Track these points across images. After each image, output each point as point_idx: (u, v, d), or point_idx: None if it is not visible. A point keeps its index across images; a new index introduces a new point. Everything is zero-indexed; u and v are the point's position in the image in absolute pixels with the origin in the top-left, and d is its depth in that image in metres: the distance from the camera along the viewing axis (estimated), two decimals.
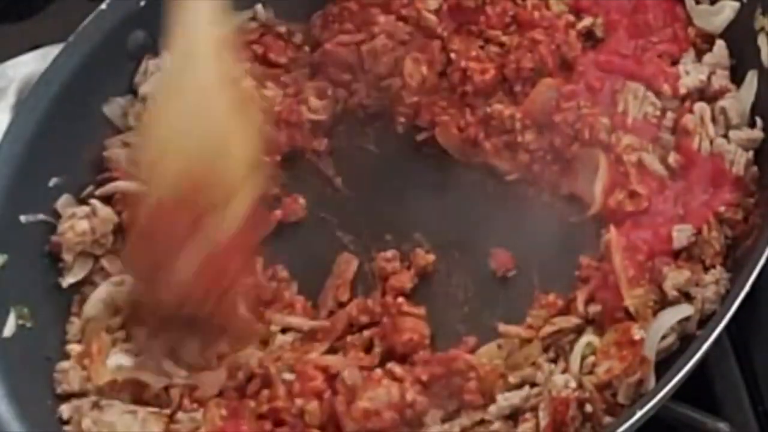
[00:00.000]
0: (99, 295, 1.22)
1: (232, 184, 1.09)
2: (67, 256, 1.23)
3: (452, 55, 1.25)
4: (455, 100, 1.26)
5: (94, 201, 1.25)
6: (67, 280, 1.23)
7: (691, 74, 1.18)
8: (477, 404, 1.07)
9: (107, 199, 1.27)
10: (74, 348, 1.19)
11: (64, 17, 1.40)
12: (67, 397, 1.17)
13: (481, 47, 1.26)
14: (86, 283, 1.24)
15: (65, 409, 1.15)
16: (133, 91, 1.33)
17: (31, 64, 1.38)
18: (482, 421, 1.07)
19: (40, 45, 1.42)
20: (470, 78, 1.24)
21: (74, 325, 1.21)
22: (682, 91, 1.17)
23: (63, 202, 1.26)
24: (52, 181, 1.26)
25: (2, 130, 1.26)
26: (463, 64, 1.24)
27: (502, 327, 1.12)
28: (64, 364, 1.18)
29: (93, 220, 1.24)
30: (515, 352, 1.10)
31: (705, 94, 1.17)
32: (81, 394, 1.16)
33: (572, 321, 1.09)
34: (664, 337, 1.05)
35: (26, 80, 1.36)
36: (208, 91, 1.10)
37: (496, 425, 1.06)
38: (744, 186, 1.11)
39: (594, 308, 1.09)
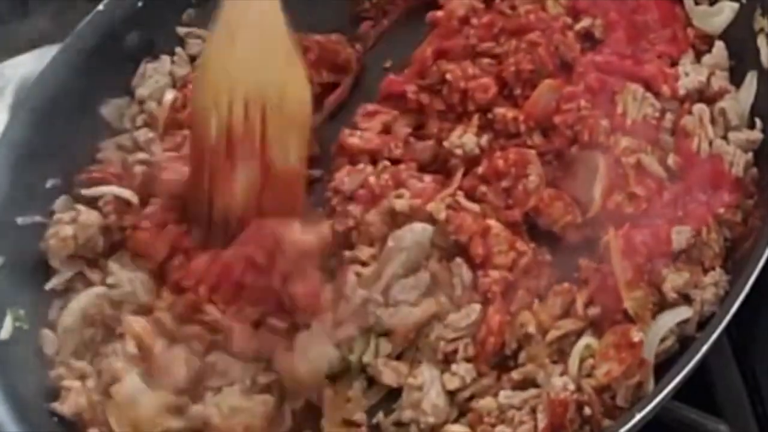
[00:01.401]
0: (77, 304, 1.21)
1: (288, 119, 1.14)
2: (54, 262, 1.23)
3: (448, 76, 1.24)
4: (454, 116, 1.25)
5: (79, 206, 1.25)
6: (50, 284, 1.23)
7: (690, 75, 1.17)
8: None
9: (95, 201, 1.26)
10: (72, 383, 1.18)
11: (62, 18, 1.40)
12: None
13: (473, 61, 1.25)
14: (70, 290, 1.23)
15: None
16: (130, 93, 1.33)
17: (29, 64, 1.38)
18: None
19: (38, 45, 1.42)
20: (472, 97, 1.23)
21: (48, 337, 1.20)
22: (681, 92, 1.17)
23: (60, 204, 1.26)
24: (49, 183, 1.26)
25: (0, 130, 1.26)
26: (462, 85, 1.23)
27: None
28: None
29: (77, 225, 1.23)
30: None
31: (704, 95, 1.17)
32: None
33: (577, 324, 1.09)
34: (663, 340, 1.05)
35: (24, 80, 1.36)
36: (267, 27, 1.15)
37: (498, 429, 1.06)
38: (743, 187, 1.11)
39: (593, 310, 1.09)
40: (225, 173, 1.15)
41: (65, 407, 1.15)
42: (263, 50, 1.16)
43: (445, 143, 1.21)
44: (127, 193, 1.24)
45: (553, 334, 1.09)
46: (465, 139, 1.20)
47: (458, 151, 1.20)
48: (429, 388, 1.09)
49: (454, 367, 1.10)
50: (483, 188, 1.18)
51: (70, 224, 1.22)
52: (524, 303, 1.11)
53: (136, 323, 1.18)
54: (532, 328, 1.09)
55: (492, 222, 1.14)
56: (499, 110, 1.21)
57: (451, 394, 1.10)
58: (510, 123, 1.20)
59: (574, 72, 1.20)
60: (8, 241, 1.22)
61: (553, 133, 1.18)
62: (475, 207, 1.17)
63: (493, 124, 1.21)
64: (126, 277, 1.21)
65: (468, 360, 1.10)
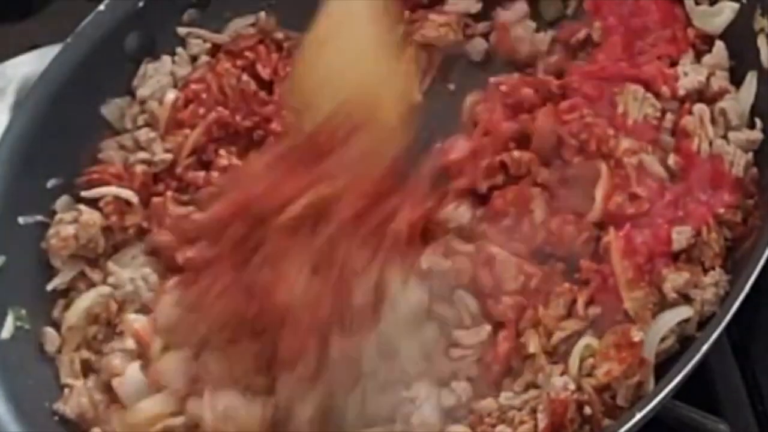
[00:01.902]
0: (83, 303, 1.21)
1: (385, 121, 1.12)
2: (55, 262, 1.23)
3: None
4: None
5: (80, 206, 1.25)
6: (52, 284, 1.23)
7: (689, 75, 1.17)
8: None
9: (96, 201, 1.26)
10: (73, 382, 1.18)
11: (63, 18, 1.40)
12: None
13: None
14: (72, 290, 1.24)
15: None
16: (131, 93, 1.33)
17: (30, 64, 1.38)
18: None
19: (39, 45, 1.42)
20: None
21: (50, 335, 1.20)
22: (681, 92, 1.16)
23: (62, 204, 1.26)
24: (50, 182, 1.27)
25: (1, 130, 1.26)
26: None
27: None
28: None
29: (78, 225, 1.23)
30: None
31: (704, 95, 1.17)
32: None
33: (580, 324, 1.09)
34: (663, 339, 1.05)
35: (25, 80, 1.36)
36: (364, 30, 1.14)
37: (498, 429, 1.06)
38: (743, 187, 1.11)
39: (593, 310, 1.09)
40: (316, 176, 1.11)
41: (68, 408, 1.16)
42: (360, 55, 1.14)
43: (440, 215, 1.17)
44: (127, 194, 1.25)
45: (558, 336, 1.08)
46: (461, 211, 1.18)
47: (452, 225, 1.17)
48: (422, 402, 1.08)
49: (453, 384, 1.09)
50: (482, 227, 1.17)
51: (71, 224, 1.23)
52: (532, 319, 1.11)
53: (136, 322, 1.18)
54: (533, 348, 1.09)
55: (495, 249, 1.13)
56: (514, 154, 1.18)
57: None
58: (524, 166, 1.18)
59: (568, 88, 1.20)
60: (10, 240, 1.22)
61: (560, 145, 1.18)
62: (469, 248, 1.15)
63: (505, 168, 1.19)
64: (127, 277, 1.21)
65: (468, 379, 1.10)
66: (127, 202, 1.25)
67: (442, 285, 1.13)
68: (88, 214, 1.23)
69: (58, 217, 1.24)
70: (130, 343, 1.18)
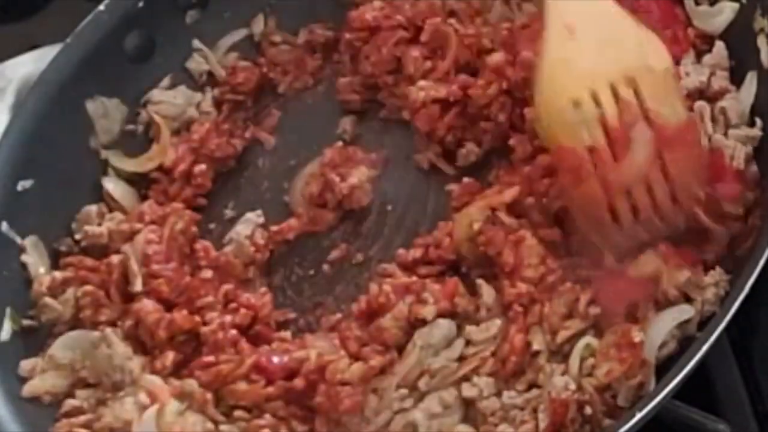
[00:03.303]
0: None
1: (660, 81, 1.08)
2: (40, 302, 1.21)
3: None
4: None
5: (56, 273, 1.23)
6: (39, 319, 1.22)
7: (691, 75, 1.17)
8: None
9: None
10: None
11: (63, 18, 1.40)
12: None
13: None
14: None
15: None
16: (129, 93, 1.34)
17: (30, 64, 1.38)
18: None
19: (39, 45, 1.42)
20: None
21: (29, 362, 1.19)
22: (683, 92, 1.17)
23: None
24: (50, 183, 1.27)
25: (1, 130, 1.26)
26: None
27: None
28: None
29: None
30: None
31: (705, 94, 1.17)
32: None
33: (584, 323, 1.09)
34: (664, 345, 1.04)
35: (25, 80, 1.36)
36: (600, 7, 1.10)
37: (501, 427, 1.06)
38: (745, 179, 1.11)
39: (594, 310, 1.09)
40: (617, 164, 1.06)
41: None
42: (607, 32, 1.09)
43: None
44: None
45: (563, 335, 1.08)
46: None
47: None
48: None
49: (475, 378, 1.09)
50: (529, 200, 1.17)
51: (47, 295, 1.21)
52: (538, 314, 1.11)
53: (152, 383, 1.15)
54: (537, 345, 1.09)
55: (526, 233, 1.13)
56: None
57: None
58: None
59: None
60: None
61: None
62: (513, 222, 1.15)
63: None
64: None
65: (489, 375, 1.10)
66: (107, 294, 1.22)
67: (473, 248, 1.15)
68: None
69: (37, 280, 1.22)
70: (144, 397, 1.14)
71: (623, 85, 1.07)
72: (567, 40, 1.10)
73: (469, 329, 1.11)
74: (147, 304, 1.18)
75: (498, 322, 1.11)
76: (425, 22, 1.29)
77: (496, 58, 1.24)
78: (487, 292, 1.13)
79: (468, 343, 1.11)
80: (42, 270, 1.23)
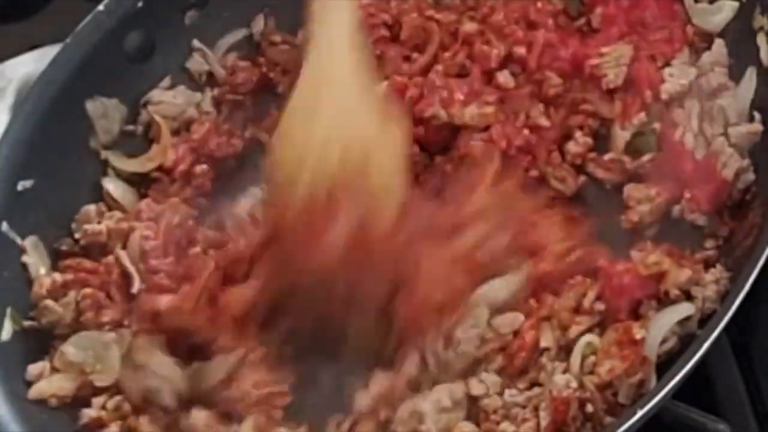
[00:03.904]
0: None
1: (379, 183, 1.07)
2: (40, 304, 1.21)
3: None
4: None
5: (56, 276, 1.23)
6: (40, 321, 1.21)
7: (675, 78, 1.17)
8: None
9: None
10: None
11: (63, 18, 1.40)
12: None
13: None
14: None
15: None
16: (128, 93, 1.34)
17: (30, 64, 1.38)
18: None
19: (39, 45, 1.42)
20: None
21: (37, 366, 1.18)
22: (664, 96, 1.17)
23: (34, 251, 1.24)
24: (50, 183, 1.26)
25: (1, 130, 1.26)
26: None
27: None
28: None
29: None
30: None
31: (702, 92, 1.17)
32: None
33: (593, 319, 1.09)
34: (665, 341, 1.04)
35: (25, 80, 1.36)
36: (349, 90, 1.09)
37: (503, 425, 1.06)
38: (728, 190, 1.11)
39: (598, 306, 1.09)
40: (315, 233, 1.06)
41: None
42: (351, 99, 1.09)
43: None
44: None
45: (575, 330, 1.08)
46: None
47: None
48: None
49: (483, 375, 1.09)
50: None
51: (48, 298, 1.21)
52: (549, 308, 1.11)
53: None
54: (545, 342, 1.09)
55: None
56: None
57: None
58: None
59: None
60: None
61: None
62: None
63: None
64: None
65: (497, 371, 1.10)
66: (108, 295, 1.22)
67: None
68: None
69: (37, 281, 1.22)
70: None
71: (349, 155, 1.06)
72: (314, 95, 1.09)
73: (496, 321, 1.11)
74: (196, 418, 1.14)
75: (521, 317, 1.11)
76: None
77: (469, 27, 1.25)
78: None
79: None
80: (42, 271, 1.23)
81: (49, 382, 1.16)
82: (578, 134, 1.22)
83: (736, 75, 1.17)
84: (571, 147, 1.22)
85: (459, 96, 1.22)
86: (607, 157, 1.20)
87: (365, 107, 1.09)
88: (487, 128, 1.23)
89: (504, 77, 1.24)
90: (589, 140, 1.22)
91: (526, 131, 1.22)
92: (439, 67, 1.25)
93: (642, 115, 1.18)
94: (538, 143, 1.22)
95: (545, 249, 1.12)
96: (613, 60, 1.19)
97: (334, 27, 1.10)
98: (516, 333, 1.10)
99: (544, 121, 1.22)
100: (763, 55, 1.14)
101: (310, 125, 1.08)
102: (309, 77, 1.11)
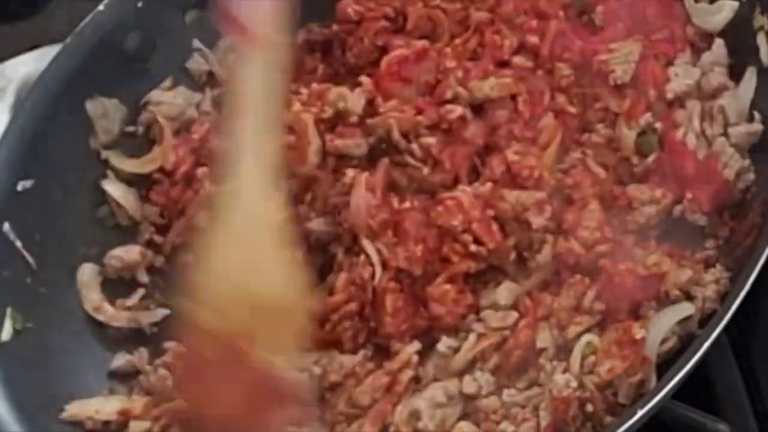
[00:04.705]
0: None
1: (280, 320, 1.05)
2: None
3: None
4: None
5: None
6: None
7: (680, 77, 1.18)
8: None
9: None
10: None
11: (62, 18, 1.40)
12: None
13: None
14: None
15: None
16: (127, 93, 1.34)
17: (30, 64, 1.38)
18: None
19: (39, 45, 1.42)
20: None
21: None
22: (669, 95, 1.17)
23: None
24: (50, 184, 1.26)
25: (1, 130, 1.26)
26: None
27: None
28: None
29: None
30: None
31: (703, 92, 1.17)
32: None
33: (592, 319, 1.09)
34: (665, 341, 1.05)
35: (25, 80, 1.36)
36: (256, 230, 1.07)
37: (502, 425, 1.06)
38: (730, 190, 1.11)
39: (598, 305, 1.09)
40: (218, 379, 1.05)
41: None
42: (258, 253, 1.06)
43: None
44: None
45: (573, 330, 1.08)
46: None
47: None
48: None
49: (477, 374, 1.09)
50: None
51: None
52: (548, 307, 1.11)
53: None
54: (541, 343, 1.09)
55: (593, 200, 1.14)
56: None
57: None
58: None
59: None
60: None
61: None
62: (600, 172, 1.16)
63: None
64: None
65: (491, 371, 1.10)
66: None
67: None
68: None
69: None
70: None
71: (251, 310, 1.04)
72: (226, 235, 1.07)
73: (486, 313, 1.11)
74: None
75: (515, 314, 1.11)
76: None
77: (479, 16, 1.25)
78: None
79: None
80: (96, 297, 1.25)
81: (95, 403, 1.17)
82: (599, 126, 1.21)
83: (736, 75, 1.17)
84: (593, 138, 1.20)
85: (475, 73, 1.22)
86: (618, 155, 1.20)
87: (276, 262, 1.07)
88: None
89: (520, 59, 1.23)
90: (611, 132, 1.20)
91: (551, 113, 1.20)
92: (448, 50, 1.24)
93: (648, 115, 1.17)
94: (564, 130, 1.20)
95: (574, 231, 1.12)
96: (622, 56, 1.19)
97: (247, 175, 1.07)
98: (512, 330, 1.10)
99: (570, 108, 1.20)
100: (763, 55, 1.14)
101: (220, 282, 1.06)
102: (221, 231, 1.08)
